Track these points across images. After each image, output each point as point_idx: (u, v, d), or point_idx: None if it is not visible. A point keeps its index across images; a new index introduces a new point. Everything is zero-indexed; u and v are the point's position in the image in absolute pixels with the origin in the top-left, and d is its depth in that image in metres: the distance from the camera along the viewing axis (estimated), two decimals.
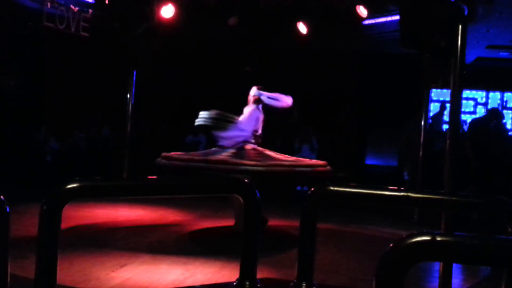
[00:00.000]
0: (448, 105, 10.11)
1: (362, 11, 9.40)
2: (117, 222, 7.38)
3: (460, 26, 4.67)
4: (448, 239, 2.46)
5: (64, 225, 3.61)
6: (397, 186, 4.35)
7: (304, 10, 10.07)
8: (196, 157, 6.52)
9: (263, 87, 7.19)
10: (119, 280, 4.82)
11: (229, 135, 6.78)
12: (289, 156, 7.03)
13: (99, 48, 11.17)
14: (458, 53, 4.68)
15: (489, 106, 14.64)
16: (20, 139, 10.67)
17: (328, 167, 6.83)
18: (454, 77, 4.72)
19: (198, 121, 6.87)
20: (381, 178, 11.91)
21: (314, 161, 7.06)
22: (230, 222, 7.06)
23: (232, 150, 6.66)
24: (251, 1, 9.83)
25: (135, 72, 9.00)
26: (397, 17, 8.43)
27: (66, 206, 3.54)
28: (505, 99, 14.66)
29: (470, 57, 12.77)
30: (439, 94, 14.43)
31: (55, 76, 11.65)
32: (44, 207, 3.49)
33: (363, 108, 13.82)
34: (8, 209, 3.27)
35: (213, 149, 6.96)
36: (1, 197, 3.26)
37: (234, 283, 4.38)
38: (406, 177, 10.43)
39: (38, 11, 9.73)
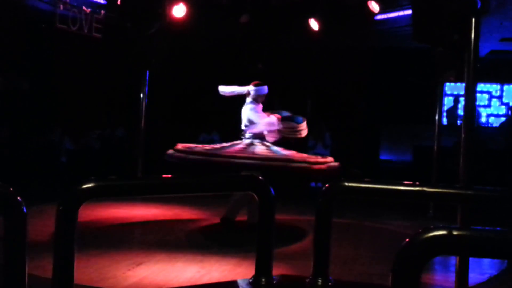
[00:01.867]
0: (462, 99, 10.10)
1: (373, 6, 9.37)
2: (133, 221, 7.42)
3: (473, 19, 4.64)
4: (465, 233, 2.45)
5: (80, 224, 3.64)
6: (412, 181, 4.33)
7: (315, 6, 10.06)
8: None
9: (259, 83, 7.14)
10: (135, 279, 4.85)
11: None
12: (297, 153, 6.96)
13: (112, 49, 11.21)
14: (472, 46, 4.65)
15: (504, 99, 14.54)
16: (35, 140, 10.75)
17: (332, 164, 6.66)
18: (468, 71, 4.69)
19: None
20: (395, 173, 11.85)
21: (316, 158, 6.89)
22: (245, 218, 7.07)
23: (242, 146, 6.70)
24: None
25: (148, 72, 9.05)
26: (409, 11, 8.43)
27: (82, 205, 3.56)
28: None
29: (483, 50, 12.66)
30: (453, 88, 14.34)
31: (68, 78, 11.73)
32: (61, 207, 3.51)
33: (377, 103, 13.77)
34: (25, 210, 3.30)
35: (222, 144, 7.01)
36: (18, 198, 3.29)
37: (250, 280, 4.39)
38: None
39: (51, 13, 9.77)
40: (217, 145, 7.00)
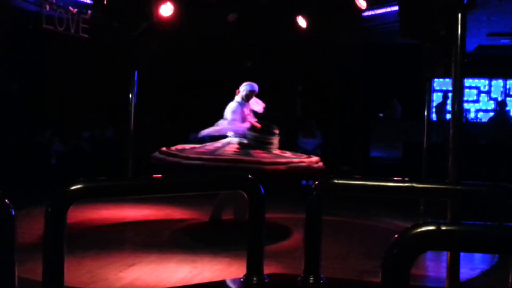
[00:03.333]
0: (450, 94, 10.11)
1: (361, 2, 9.37)
2: (124, 222, 7.39)
3: (459, 15, 4.65)
4: (453, 228, 2.46)
5: (70, 226, 3.62)
6: (402, 177, 4.34)
7: (302, 3, 10.06)
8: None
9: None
10: (127, 280, 4.84)
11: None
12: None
13: (99, 49, 11.16)
14: (459, 41, 4.65)
15: (492, 94, 14.60)
16: (25, 142, 10.68)
17: (315, 165, 6.59)
18: (455, 66, 4.70)
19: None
20: (386, 170, 11.87)
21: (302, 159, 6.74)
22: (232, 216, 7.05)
23: (235, 148, 6.63)
24: None
25: (136, 72, 9.01)
26: (396, 8, 8.44)
27: (72, 207, 3.54)
28: (508, 87, 14.58)
29: (471, 46, 12.70)
30: (442, 84, 14.39)
31: (57, 79, 11.66)
32: (49, 209, 3.49)
33: (366, 100, 13.78)
34: (13, 213, 3.28)
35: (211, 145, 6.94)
36: (6, 200, 3.27)
37: (242, 279, 4.39)
38: None
39: (37, 14, 9.72)
40: (209, 145, 6.90)
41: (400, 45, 11.20)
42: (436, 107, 13.81)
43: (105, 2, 8.35)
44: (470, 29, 5.61)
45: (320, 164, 6.72)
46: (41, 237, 3.59)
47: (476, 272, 5.39)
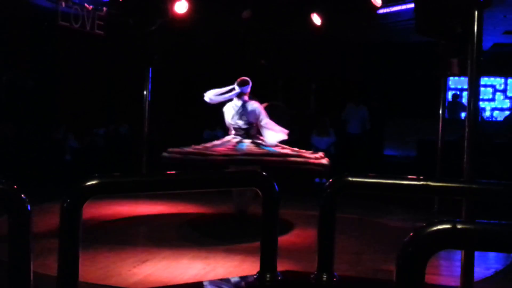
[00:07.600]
0: (465, 93, 10.05)
1: (376, 0, 9.34)
2: (138, 218, 7.42)
3: (476, 12, 4.62)
4: (469, 226, 2.44)
5: (85, 222, 3.64)
6: (416, 175, 4.31)
7: (317, 0, 10.04)
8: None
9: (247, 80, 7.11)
10: (141, 276, 4.85)
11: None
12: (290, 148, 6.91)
13: (114, 46, 11.22)
14: (475, 39, 4.62)
15: (508, 93, 14.48)
16: (40, 138, 10.76)
17: (323, 160, 6.64)
18: (471, 64, 4.67)
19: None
20: (399, 168, 11.82)
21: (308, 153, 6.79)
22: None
23: (231, 144, 6.66)
24: None
25: (150, 69, 9.05)
26: (411, 5, 8.41)
27: (86, 203, 3.56)
28: None
29: (487, 43, 12.61)
30: (457, 82, 14.30)
31: (72, 75, 11.74)
32: (65, 205, 3.51)
33: (380, 98, 13.73)
34: (29, 208, 3.30)
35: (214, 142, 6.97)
36: (22, 196, 3.29)
37: (255, 276, 4.39)
38: None
39: (53, 11, 9.78)
40: (208, 144, 6.94)
41: (415, 43, 11.15)
42: (447, 106, 13.72)
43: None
44: (486, 26, 5.57)
45: (321, 161, 6.68)
46: (56, 232, 3.62)
47: (491, 271, 5.35)
